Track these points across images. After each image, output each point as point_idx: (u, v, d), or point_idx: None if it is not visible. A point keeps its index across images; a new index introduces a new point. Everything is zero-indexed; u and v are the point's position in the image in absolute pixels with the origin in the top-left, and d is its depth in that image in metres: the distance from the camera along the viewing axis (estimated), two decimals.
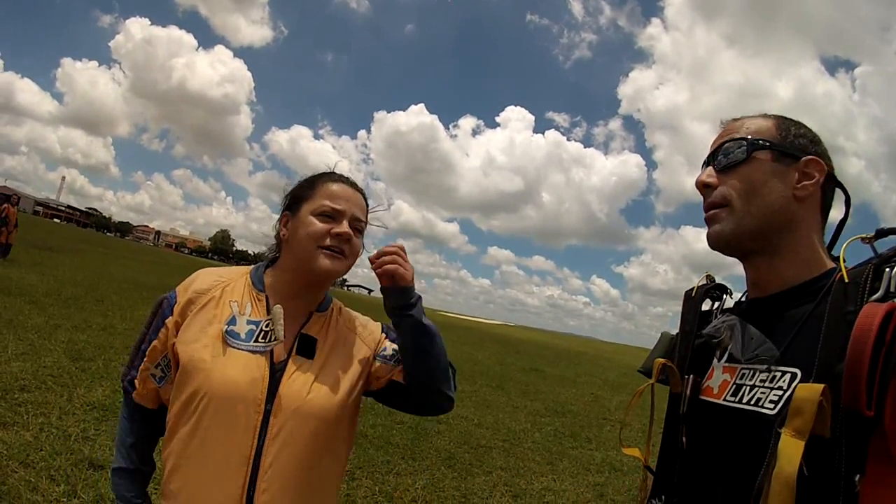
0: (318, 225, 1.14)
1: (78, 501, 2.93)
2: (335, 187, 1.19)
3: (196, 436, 1.05)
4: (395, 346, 1.23)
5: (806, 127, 0.92)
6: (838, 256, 0.80)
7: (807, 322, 0.79)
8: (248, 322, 1.12)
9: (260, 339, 1.11)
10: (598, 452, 6.47)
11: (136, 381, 1.18)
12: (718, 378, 0.90)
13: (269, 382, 1.07)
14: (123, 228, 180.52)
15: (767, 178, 0.87)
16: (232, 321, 1.11)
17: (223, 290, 1.16)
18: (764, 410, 0.78)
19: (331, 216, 1.15)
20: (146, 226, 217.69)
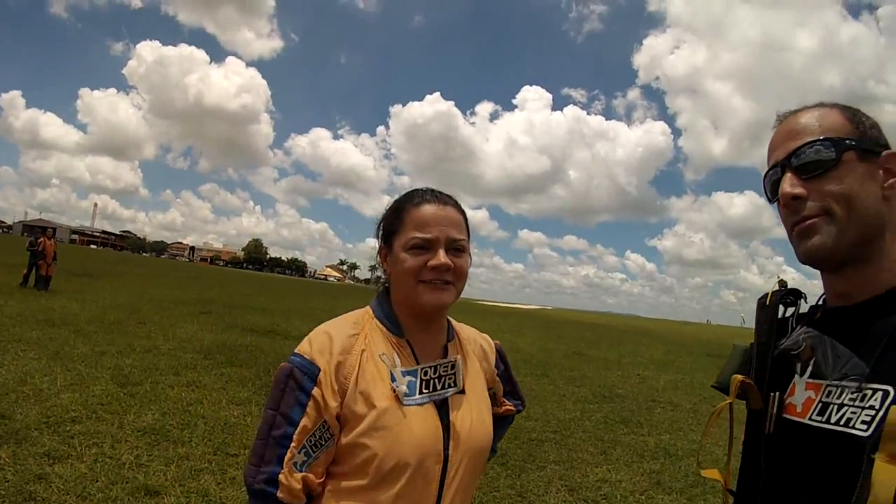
0: (412, 261, 1.06)
1: None
2: (421, 212, 1.08)
3: (377, 500, 0.99)
4: (498, 388, 1.31)
5: (867, 114, 0.84)
6: None
7: (895, 336, 0.73)
8: (404, 374, 1.05)
9: (424, 390, 1.06)
10: (650, 438, 6.29)
11: (280, 477, 0.97)
12: (802, 395, 0.83)
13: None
14: (158, 247, 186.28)
15: (862, 180, 0.78)
16: (392, 378, 1.04)
17: (366, 342, 1.07)
18: (855, 432, 0.71)
19: (423, 247, 1.06)
20: (180, 242, 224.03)
